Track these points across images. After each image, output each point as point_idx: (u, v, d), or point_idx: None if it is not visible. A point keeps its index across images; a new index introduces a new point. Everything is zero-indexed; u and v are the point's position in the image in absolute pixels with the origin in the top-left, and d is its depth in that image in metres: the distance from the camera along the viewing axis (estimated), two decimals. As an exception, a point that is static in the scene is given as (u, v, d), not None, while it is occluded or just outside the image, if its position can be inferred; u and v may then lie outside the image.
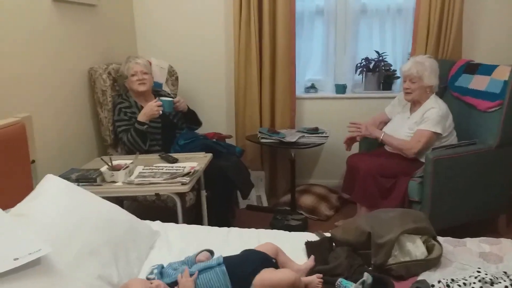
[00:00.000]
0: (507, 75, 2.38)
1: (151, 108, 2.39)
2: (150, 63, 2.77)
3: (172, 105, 2.48)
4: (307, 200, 3.04)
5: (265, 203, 3.21)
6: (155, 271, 1.38)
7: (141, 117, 2.41)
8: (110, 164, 1.99)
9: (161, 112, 2.41)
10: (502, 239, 1.65)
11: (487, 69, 2.56)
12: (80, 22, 2.46)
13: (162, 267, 1.41)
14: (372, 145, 2.79)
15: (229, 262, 1.35)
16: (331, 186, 3.28)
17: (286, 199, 3.14)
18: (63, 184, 1.53)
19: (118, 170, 1.96)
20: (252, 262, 1.35)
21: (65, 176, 1.84)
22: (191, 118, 2.75)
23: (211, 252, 1.47)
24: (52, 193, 1.45)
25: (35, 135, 1.86)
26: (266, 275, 1.31)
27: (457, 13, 2.88)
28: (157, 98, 2.49)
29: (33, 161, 1.81)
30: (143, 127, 2.40)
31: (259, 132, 3.02)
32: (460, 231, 1.96)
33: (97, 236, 1.39)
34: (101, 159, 2.09)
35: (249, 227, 1.83)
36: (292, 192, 3.00)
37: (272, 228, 1.90)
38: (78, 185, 1.72)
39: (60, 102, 2.27)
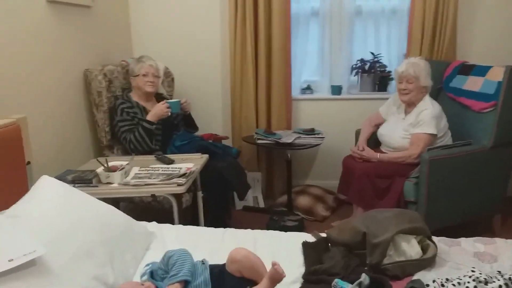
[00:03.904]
0: (501, 76, 2.40)
1: (161, 109, 2.46)
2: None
3: (179, 106, 2.54)
4: (303, 201, 3.04)
5: (261, 204, 3.21)
6: (148, 270, 1.38)
7: (151, 117, 2.46)
8: (106, 165, 1.98)
9: (169, 113, 2.48)
10: (497, 239, 1.66)
11: (481, 70, 2.58)
12: (75, 23, 2.45)
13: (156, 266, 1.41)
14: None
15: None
16: (327, 187, 3.29)
17: (282, 200, 3.14)
18: (59, 186, 1.52)
19: (114, 171, 1.95)
20: None
21: (61, 178, 1.84)
22: (189, 122, 2.78)
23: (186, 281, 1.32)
24: (48, 195, 1.44)
25: (30, 136, 1.86)
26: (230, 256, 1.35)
27: (451, 14, 2.90)
28: (164, 100, 2.53)
29: (29, 163, 1.80)
30: (152, 127, 2.45)
31: (255, 133, 3.02)
32: (455, 231, 1.97)
33: (93, 237, 1.38)
34: (97, 160, 2.09)
35: (245, 228, 1.83)
36: (289, 193, 3.00)
37: (268, 229, 1.89)
38: (73, 186, 1.71)
39: (56, 103, 2.26)
